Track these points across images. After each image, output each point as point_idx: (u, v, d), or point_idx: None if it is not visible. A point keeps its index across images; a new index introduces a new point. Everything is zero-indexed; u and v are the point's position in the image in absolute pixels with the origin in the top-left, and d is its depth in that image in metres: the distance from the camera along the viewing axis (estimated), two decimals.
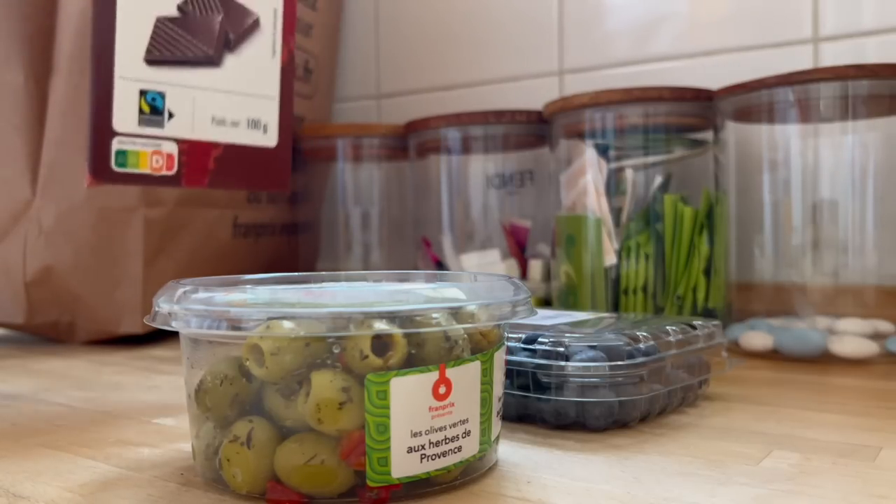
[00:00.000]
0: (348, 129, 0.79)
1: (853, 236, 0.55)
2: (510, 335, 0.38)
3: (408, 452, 0.26)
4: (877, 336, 0.53)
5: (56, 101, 0.63)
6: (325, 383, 0.26)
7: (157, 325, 0.28)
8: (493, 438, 0.30)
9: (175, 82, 0.40)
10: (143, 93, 0.39)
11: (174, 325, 0.28)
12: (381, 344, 0.26)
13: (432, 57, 0.87)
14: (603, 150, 0.60)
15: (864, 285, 0.55)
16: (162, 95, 0.40)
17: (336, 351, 0.26)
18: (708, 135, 0.62)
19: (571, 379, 0.35)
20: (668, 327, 0.39)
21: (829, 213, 0.56)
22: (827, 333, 0.53)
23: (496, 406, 0.30)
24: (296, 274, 0.37)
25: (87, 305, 0.65)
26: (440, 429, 0.27)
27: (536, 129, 0.69)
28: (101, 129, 0.39)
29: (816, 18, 0.66)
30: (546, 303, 0.67)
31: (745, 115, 0.59)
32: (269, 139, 0.43)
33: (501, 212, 0.71)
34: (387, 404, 0.26)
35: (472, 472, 0.29)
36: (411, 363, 0.26)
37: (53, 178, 0.63)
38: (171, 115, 0.40)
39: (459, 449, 0.28)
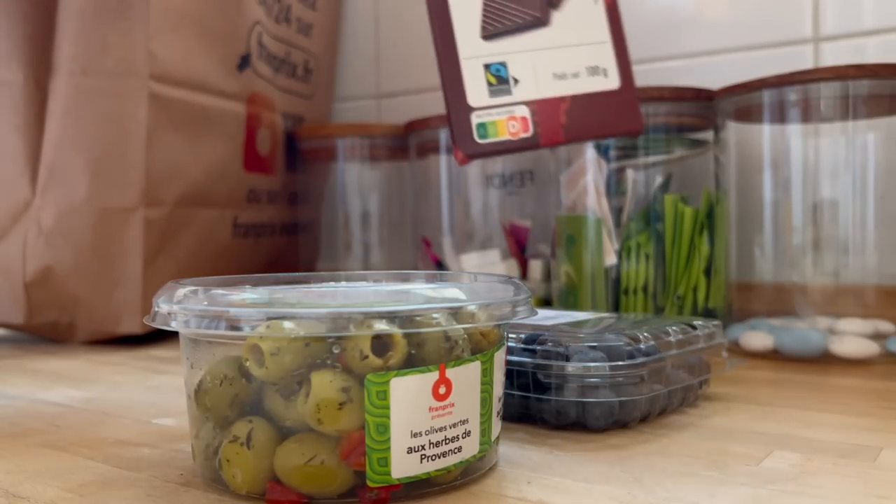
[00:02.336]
0: (348, 129, 0.79)
1: (853, 236, 0.55)
2: (510, 335, 0.38)
3: (408, 453, 0.26)
4: (877, 336, 0.53)
5: (56, 101, 0.63)
6: (324, 383, 0.25)
7: (157, 325, 0.28)
8: (493, 439, 0.30)
9: (513, 50, 0.43)
10: (487, 66, 0.42)
11: (174, 325, 0.28)
12: (381, 344, 0.26)
13: (432, 57, 0.86)
14: (603, 151, 0.60)
15: (865, 285, 0.55)
16: (504, 65, 0.43)
17: (336, 351, 0.26)
18: (708, 135, 0.61)
19: (572, 379, 0.35)
20: (668, 327, 0.39)
21: (829, 212, 0.56)
22: (827, 333, 0.53)
23: (496, 406, 0.30)
24: (296, 274, 0.37)
25: (87, 305, 0.65)
26: (440, 429, 0.27)
27: None
28: (460, 109, 0.42)
29: (817, 18, 0.66)
30: (546, 303, 0.67)
31: (746, 114, 0.59)
32: (611, 82, 0.44)
33: (501, 212, 0.71)
34: (387, 404, 0.25)
35: (472, 473, 0.29)
36: (411, 363, 0.26)
37: (53, 179, 0.63)
38: (516, 81, 0.42)
39: (459, 449, 0.28)
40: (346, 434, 0.26)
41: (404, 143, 0.77)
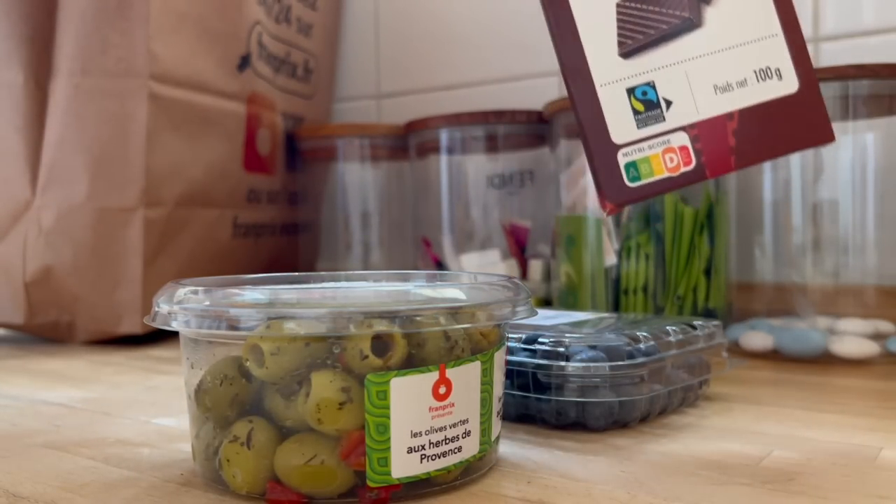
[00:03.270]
0: (348, 129, 0.79)
1: (853, 236, 0.55)
2: (510, 335, 0.38)
3: (408, 452, 0.26)
4: (877, 336, 0.53)
5: (56, 102, 0.63)
6: (325, 383, 0.26)
7: (157, 325, 0.28)
8: (493, 438, 0.30)
9: (660, 64, 0.34)
10: (630, 91, 0.34)
11: (174, 326, 0.28)
12: (381, 344, 0.26)
13: (432, 57, 0.87)
14: None
15: (865, 285, 0.55)
16: (652, 85, 0.34)
17: (336, 351, 0.26)
18: None
19: (572, 379, 0.35)
20: (668, 327, 0.39)
21: (829, 212, 0.56)
22: (827, 333, 0.53)
23: (496, 406, 0.30)
24: (296, 274, 0.37)
25: (87, 305, 0.65)
26: (440, 429, 0.27)
27: (536, 129, 0.69)
28: (603, 149, 0.34)
29: (816, 18, 0.66)
30: (546, 303, 0.67)
31: None
32: (788, 85, 0.34)
33: (501, 212, 0.71)
34: (387, 404, 0.26)
35: (472, 473, 0.29)
36: (411, 363, 0.26)
37: (54, 179, 0.63)
38: (668, 104, 0.34)
39: (459, 449, 0.28)
40: (346, 434, 0.26)
41: (404, 143, 0.77)
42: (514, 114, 0.68)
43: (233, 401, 0.27)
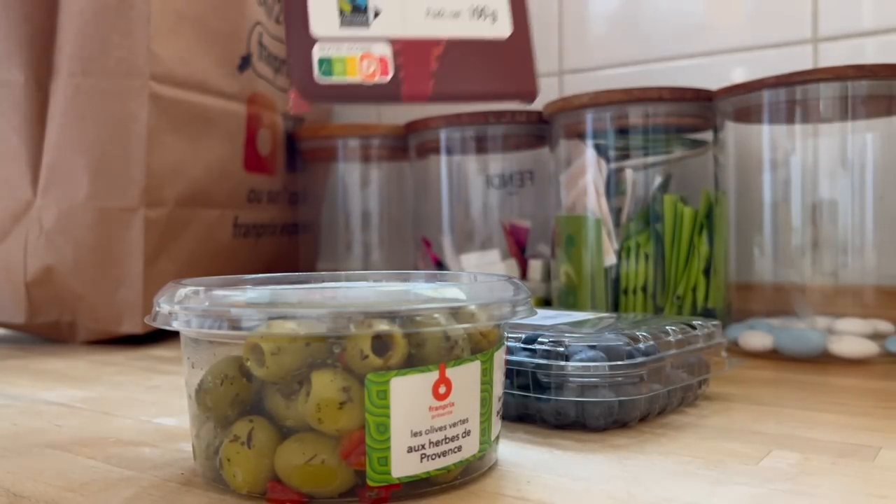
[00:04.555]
0: (348, 129, 0.79)
1: (853, 236, 0.55)
2: (510, 335, 0.38)
3: (408, 452, 0.26)
4: (876, 336, 0.53)
5: (56, 102, 0.63)
6: (325, 383, 0.26)
7: (158, 325, 0.28)
8: (493, 438, 0.30)
9: None
10: None
11: (175, 325, 0.28)
12: (381, 344, 0.26)
13: None
14: (603, 151, 0.60)
15: (864, 285, 0.55)
16: None
17: (336, 351, 0.26)
18: (708, 135, 0.62)
19: (571, 379, 0.36)
20: (667, 327, 0.39)
21: (828, 213, 0.56)
22: (826, 333, 0.53)
23: (496, 406, 0.30)
24: (296, 274, 0.37)
25: (88, 305, 0.65)
26: (440, 428, 0.27)
27: (536, 129, 0.69)
28: (299, 38, 0.33)
29: (816, 18, 0.66)
30: (546, 303, 0.67)
31: (745, 115, 0.59)
32: (501, 29, 0.35)
33: (501, 212, 0.71)
34: (387, 404, 0.26)
35: (472, 472, 0.29)
36: (411, 363, 0.26)
37: (54, 179, 0.63)
38: (377, 13, 0.33)
39: (459, 449, 0.28)
40: (347, 433, 0.26)
41: (404, 143, 0.77)
42: (514, 114, 0.68)
43: (233, 400, 0.27)
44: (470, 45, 0.34)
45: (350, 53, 0.33)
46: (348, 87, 0.33)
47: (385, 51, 0.33)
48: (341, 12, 0.33)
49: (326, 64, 0.33)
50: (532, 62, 0.35)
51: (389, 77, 0.33)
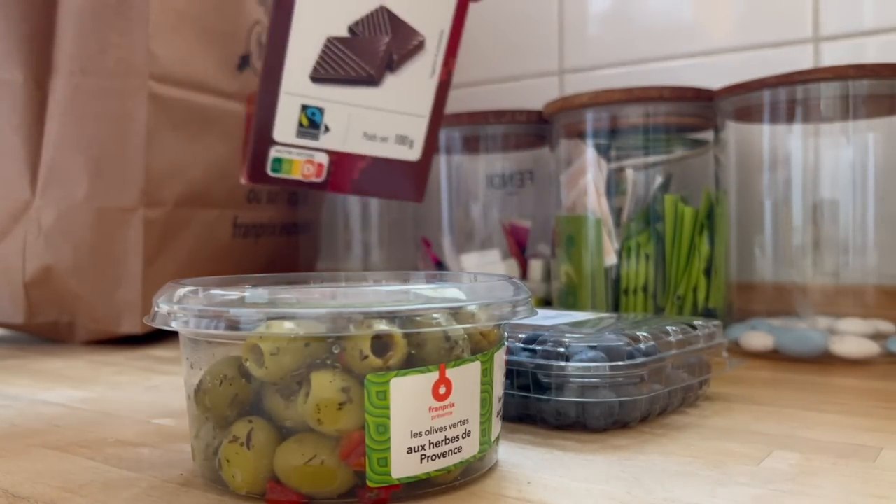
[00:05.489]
0: None
1: (854, 236, 0.55)
2: (510, 335, 0.38)
3: (408, 453, 0.26)
4: (877, 336, 0.53)
5: (56, 101, 0.63)
6: (324, 383, 0.25)
7: (157, 325, 0.28)
8: (493, 439, 0.30)
9: (335, 99, 0.42)
10: (304, 107, 0.42)
11: (174, 326, 0.28)
12: (381, 344, 0.26)
13: None
14: (603, 150, 0.60)
15: (865, 285, 0.55)
16: (321, 111, 0.42)
17: (336, 351, 0.26)
18: (708, 135, 0.61)
19: (572, 379, 0.35)
20: (668, 327, 0.39)
21: (829, 212, 0.56)
22: (827, 333, 0.53)
23: (496, 406, 0.30)
24: (296, 274, 0.37)
25: (87, 305, 0.65)
26: (440, 429, 0.27)
27: (536, 129, 0.69)
28: (263, 138, 0.42)
29: (817, 18, 0.66)
30: (546, 303, 0.67)
31: (746, 114, 0.59)
32: (414, 153, 0.44)
33: (501, 212, 0.71)
34: (387, 405, 0.25)
35: (472, 473, 0.29)
36: (411, 363, 0.26)
37: (53, 179, 0.63)
38: (327, 129, 0.42)
39: (459, 449, 0.28)
40: (346, 434, 0.26)
41: None
42: (514, 114, 0.68)
43: (232, 401, 0.27)
44: (388, 162, 0.44)
45: (298, 158, 0.42)
46: (288, 180, 0.43)
47: (324, 160, 0.43)
48: (300, 124, 0.42)
49: (278, 163, 0.42)
50: (426, 179, 0.46)
51: (322, 179, 0.43)
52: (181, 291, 0.28)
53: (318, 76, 0.42)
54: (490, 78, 0.83)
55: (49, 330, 0.67)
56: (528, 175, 0.71)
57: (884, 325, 0.54)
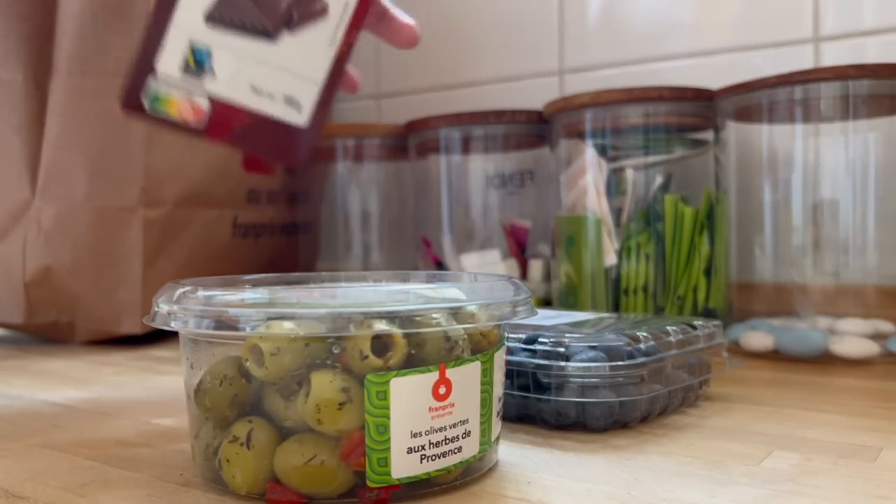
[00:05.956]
0: (348, 129, 0.79)
1: (854, 236, 0.55)
2: (510, 335, 0.38)
3: (408, 453, 0.26)
4: (877, 336, 0.53)
5: (56, 101, 0.63)
6: (324, 383, 0.25)
7: (157, 325, 0.28)
8: (493, 439, 0.30)
9: (226, 45, 0.41)
10: (192, 45, 0.40)
11: (174, 326, 0.28)
12: (381, 344, 0.26)
13: (432, 57, 0.87)
14: (603, 150, 0.60)
15: (865, 285, 0.55)
16: (209, 54, 0.40)
17: (336, 351, 0.26)
18: (708, 135, 0.61)
19: (572, 379, 0.35)
20: (668, 327, 0.39)
21: (829, 212, 0.56)
22: (828, 333, 0.53)
23: (496, 406, 0.30)
24: (296, 274, 0.37)
25: (87, 305, 0.65)
26: (440, 429, 0.27)
27: (536, 129, 0.69)
28: (143, 64, 0.39)
29: (817, 18, 0.66)
30: (546, 303, 0.67)
31: (746, 114, 0.59)
32: (301, 118, 0.42)
33: (501, 212, 0.71)
34: (387, 405, 0.25)
35: (472, 473, 0.29)
36: (411, 363, 0.26)
37: (53, 179, 0.63)
38: (213, 74, 0.40)
39: (459, 449, 0.28)
40: (346, 434, 0.26)
41: (404, 143, 0.77)
42: (514, 114, 0.68)
43: (232, 401, 0.27)
44: (270, 121, 0.42)
45: (176, 96, 0.40)
46: (164, 119, 0.40)
47: (204, 105, 0.40)
48: (185, 63, 0.40)
49: (155, 98, 0.40)
50: (311, 146, 0.44)
51: (200, 125, 0.40)
52: (181, 291, 0.28)
53: (214, 18, 0.40)
54: (490, 78, 0.83)
55: (49, 330, 0.67)
56: (528, 175, 0.71)
57: (884, 325, 0.54)
